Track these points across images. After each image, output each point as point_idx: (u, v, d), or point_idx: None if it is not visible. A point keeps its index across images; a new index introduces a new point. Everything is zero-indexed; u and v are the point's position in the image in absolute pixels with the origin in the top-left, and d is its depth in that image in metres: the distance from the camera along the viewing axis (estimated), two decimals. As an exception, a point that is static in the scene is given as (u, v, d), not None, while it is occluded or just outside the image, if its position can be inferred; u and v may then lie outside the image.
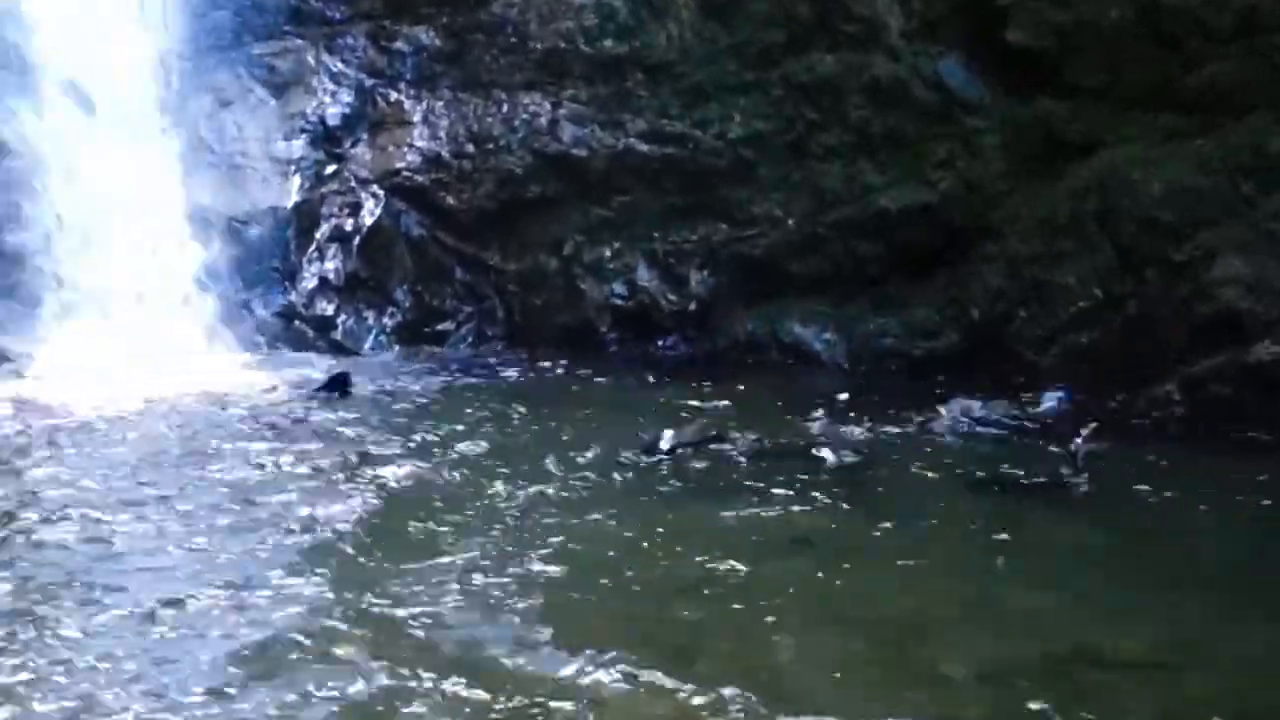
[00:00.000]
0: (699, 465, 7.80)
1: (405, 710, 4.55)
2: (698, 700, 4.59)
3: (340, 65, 11.98)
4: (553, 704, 4.53)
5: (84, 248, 11.11)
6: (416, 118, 11.89)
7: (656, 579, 5.90)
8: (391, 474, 7.48)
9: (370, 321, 11.53)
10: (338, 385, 9.36)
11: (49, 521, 6.60)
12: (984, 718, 4.54)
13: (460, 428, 8.58)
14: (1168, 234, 9.13)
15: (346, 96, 11.95)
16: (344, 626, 5.23)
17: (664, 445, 8.00)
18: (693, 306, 11.16)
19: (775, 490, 7.24)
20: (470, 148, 11.70)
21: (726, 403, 9.23)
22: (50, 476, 7.47)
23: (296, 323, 11.47)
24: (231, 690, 4.65)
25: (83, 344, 10.69)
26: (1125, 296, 9.30)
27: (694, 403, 9.28)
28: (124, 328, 10.91)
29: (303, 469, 7.60)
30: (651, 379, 10.24)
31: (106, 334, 10.82)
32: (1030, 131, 9.98)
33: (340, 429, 8.57)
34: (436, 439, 8.31)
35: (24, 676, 4.80)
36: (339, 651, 5.00)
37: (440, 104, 11.87)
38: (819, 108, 10.72)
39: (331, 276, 11.58)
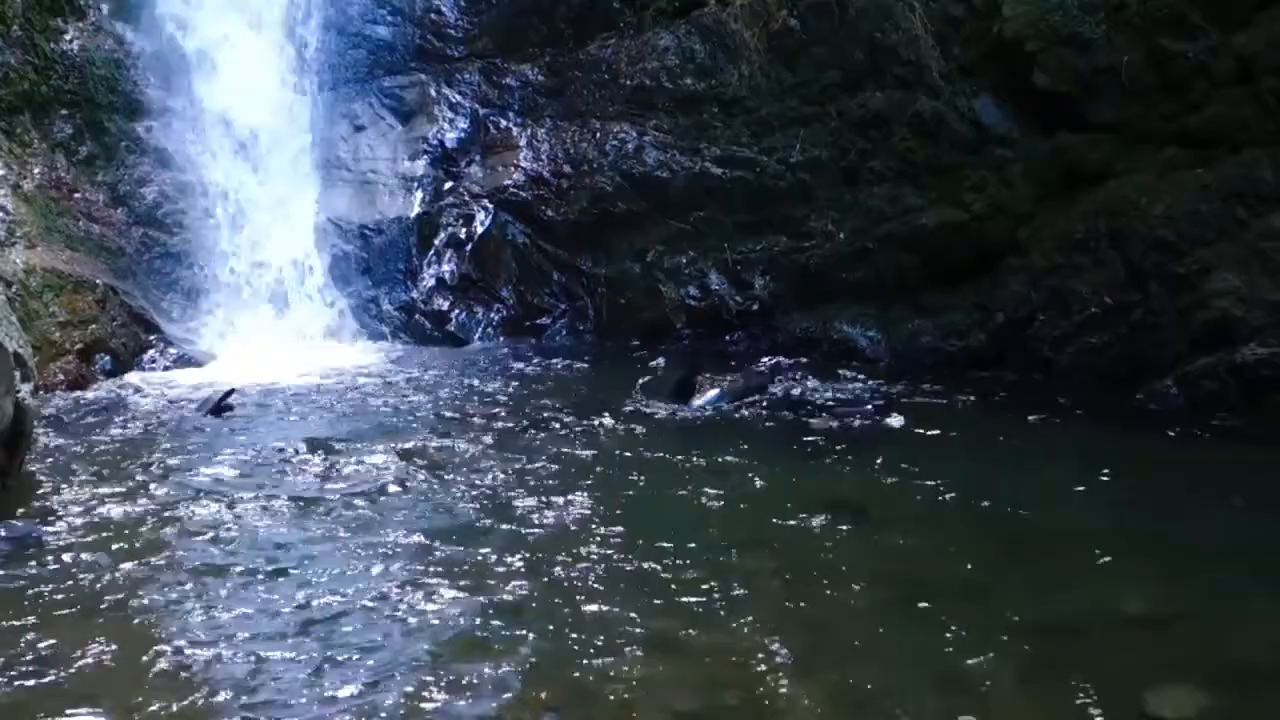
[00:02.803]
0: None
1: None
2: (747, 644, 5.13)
3: (458, 97, 12.74)
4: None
5: (239, 250, 12.05)
6: (522, 142, 12.58)
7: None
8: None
9: (479, 316, 12.25)
10: (221, 406, 9.24)
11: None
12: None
13: (546, 400, 9.60)
14: (1170, 251, 9.61)
15: (463, 123, 12.70)
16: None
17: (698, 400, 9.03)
18: (756, 307, 11.76)
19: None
20: (568, 168, 12.34)
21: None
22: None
23: (417, 316, 12.24)
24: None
25: (237, 332, 11.70)
26: (1132, 304, 9.80)
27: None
28: (274, 318, 11.92)
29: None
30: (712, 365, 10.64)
31: (259, 323, 11.83)
32: (1052, 161, 10.53)
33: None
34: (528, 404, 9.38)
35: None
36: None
37: (542, 131, 12.55)
38: (869, 138, 11.32)
39: (447, 277, 12.33)
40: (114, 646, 5.13)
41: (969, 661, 5.02)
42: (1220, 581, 5.88)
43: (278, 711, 4.66)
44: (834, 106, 11.57)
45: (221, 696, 4.74)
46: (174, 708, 4.64)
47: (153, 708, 4.65)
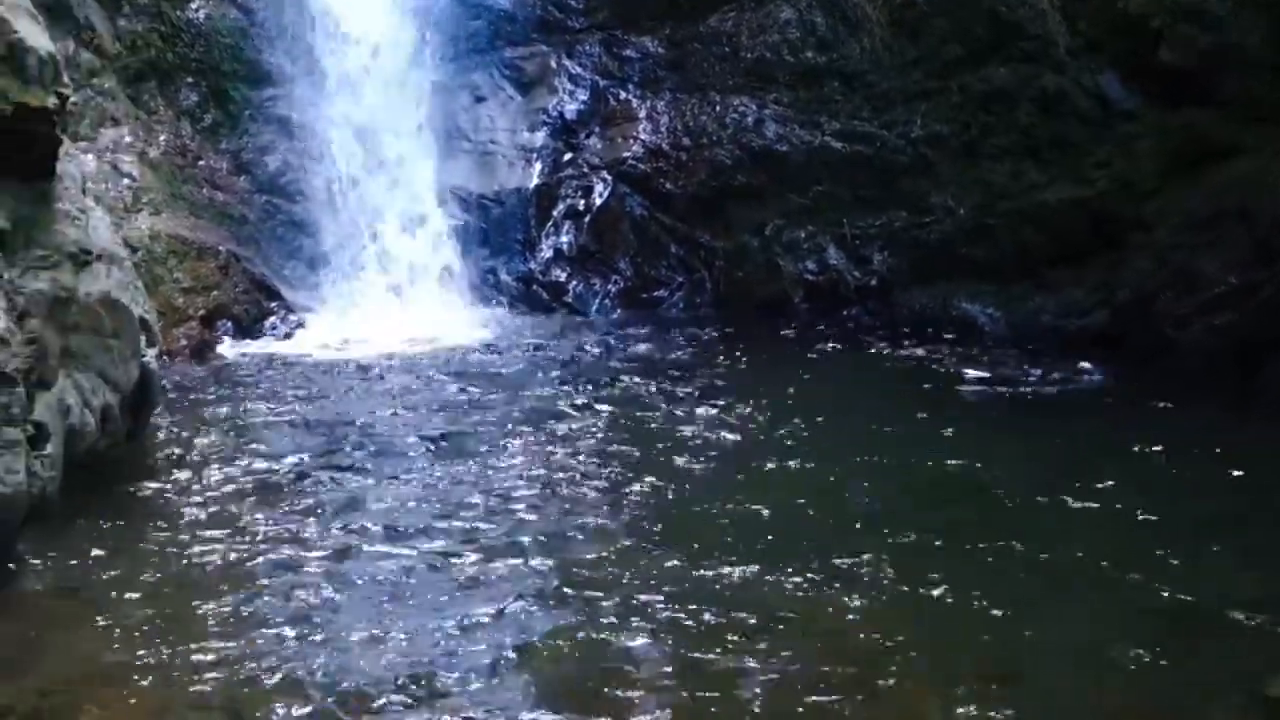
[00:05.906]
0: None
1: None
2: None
3: (578, 68, 12.88)
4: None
5: (358, 218, 12.18)
6: (641, 114, 12.67)
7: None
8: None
9: (596, 287, 12.26)
10: None
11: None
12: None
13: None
14: (1300, 229, 9.68)
15: (582, 95, 12.83)
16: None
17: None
18: (874, 283, 11.73)
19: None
20: (686, 141, 12.40)
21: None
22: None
23: (534, 287, 12.31)
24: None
25: (357, 300, 11.79)
26: (1260, 283, 9.62)
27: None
28: (393, 286, 12.01)
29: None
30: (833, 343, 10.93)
31: (379, 291, 11.94)
32: (1178, 137, 10.52)
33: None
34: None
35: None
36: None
37: (662, 103, 12.64)
38: (991, 113, 11.40)
39: (565, 248, 12.40)
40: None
41: (1100, 641, 5.13)
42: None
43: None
44: (956, 81, 11.65)
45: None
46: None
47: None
